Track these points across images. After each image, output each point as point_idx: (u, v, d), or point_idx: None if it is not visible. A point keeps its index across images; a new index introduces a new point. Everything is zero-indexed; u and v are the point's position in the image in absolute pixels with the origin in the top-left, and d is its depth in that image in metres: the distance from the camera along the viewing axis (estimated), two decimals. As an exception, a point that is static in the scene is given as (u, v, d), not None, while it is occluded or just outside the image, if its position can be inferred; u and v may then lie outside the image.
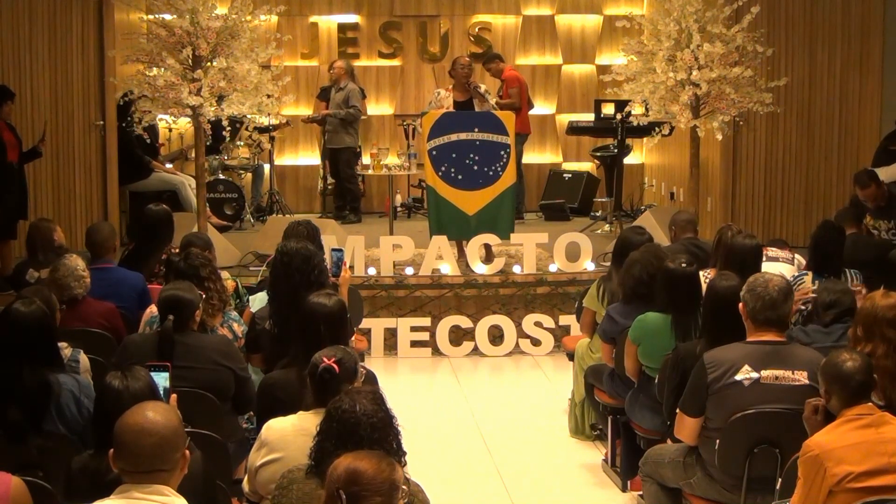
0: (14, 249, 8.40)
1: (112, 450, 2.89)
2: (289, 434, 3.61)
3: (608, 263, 7.41)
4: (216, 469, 3.69)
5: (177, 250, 5.84)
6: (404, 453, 3.22)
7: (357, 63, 12.23)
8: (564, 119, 12.20)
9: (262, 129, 11.34)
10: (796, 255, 6.56)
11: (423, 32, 12.55)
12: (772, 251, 6.44)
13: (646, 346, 5.14)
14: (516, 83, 10.91)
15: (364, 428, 3.11)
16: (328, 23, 12.46)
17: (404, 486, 2.75)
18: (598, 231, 10.37)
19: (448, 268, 8.43)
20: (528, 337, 8.31)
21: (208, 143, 9.56)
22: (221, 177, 10.91)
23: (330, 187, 11.69)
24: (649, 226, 8.40)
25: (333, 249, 5.57)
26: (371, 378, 4.35)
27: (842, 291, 4.97)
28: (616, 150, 10.63)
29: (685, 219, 6.96)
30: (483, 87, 8.81)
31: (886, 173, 8.52)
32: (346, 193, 11.33)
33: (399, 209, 11.44)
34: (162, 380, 3.63)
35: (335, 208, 11.43)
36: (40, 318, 4.20)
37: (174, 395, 3.64)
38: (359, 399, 3.17)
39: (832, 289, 5.01)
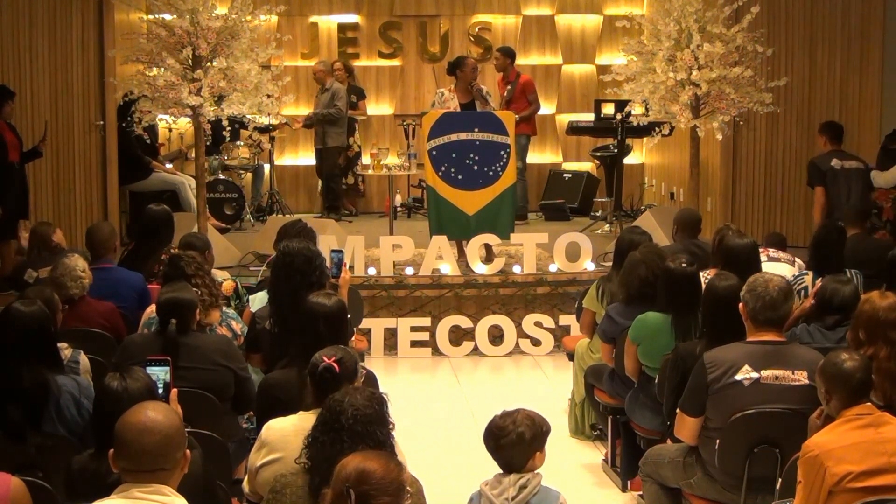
0: (14, 249, 8.40)
1: (112, 450, 2.89)
2: (289, 434, 3.60)
3: (608, 263, 7.41)
4: (216, 469, 3.69)
5: (176, 250, 5.85)
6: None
7: (357, 63, 12.25)
8: (564, 119, 12.21)
9: (262, 129, 11.36)
10: (797, 259, 6.57)
11: (423, 32, 12.56)
12: (772, 251, 6.44)
13: (646, 346, 5.14)
14: (533, 88, 10.99)
15: (347, 418, 3.12)
16: (328, 23, 12.48)
17: (409, 489, 2.76)
18: (598, 231, 10.37)
19: (448, 268, 8.43)
20: (528, 337, 8.31)
21: (208, 143, 9.56)
22: (221, 177, 10.92)
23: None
24: (649, 226, 8.41)
25: (333, 251, 5.54)
26: (371, 379, 4.36)
27: (842, 282, 4.98)
28: (616, 150, 10.63)
29: (687, 217, 6.96)
30: (485, 89, 8.84)
31: (886, 178, 8.50)
32: (328, 192, 11.38)
33: (399, 209, 11.44)
34: (162, 373, 3.63)
35: (325, 208, 11.46)
36: (40, 319, 4.20)
37: (175, 390, 3.64)
38: (353, 394, 3.20)
39: (835, 279, 5.03)
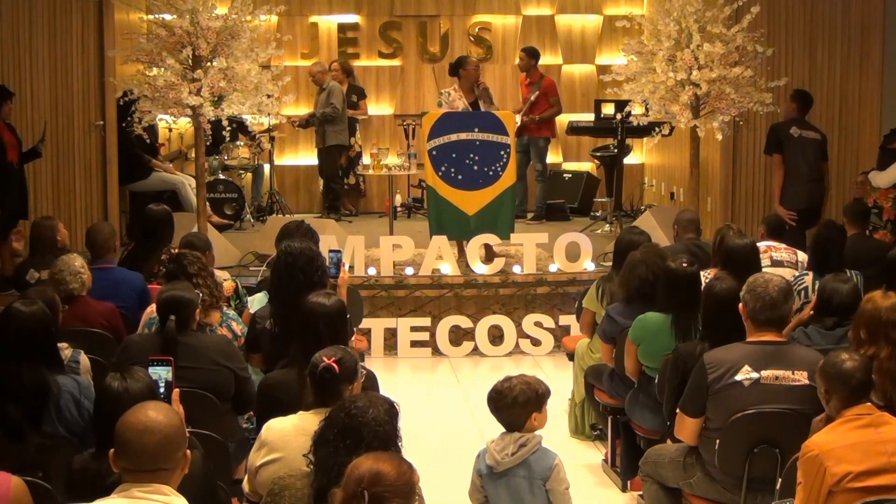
0: (11, 251, 8.40)
1: (112, 450, 2.89)
2: (289, 434, 3.61)
3: (608, 263, 7.41)
4: (216, 469, 3.69)
5: (177, 250, 5.85)
6: None
7: (357, 63, 12.25)
8: (564, 119, 12.18)
9: (262, 130, 11.36)
10: (798, 253, 6.53)
11: (423, 32, 12.56)
12: (775, 253, 6.43)
13: (646, 346, 5.14)
14: (555, 91, 11.04)
15: (369, 432, 3.12)
16: (328, 23, 12.47)
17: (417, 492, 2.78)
18: (598, 231, 10.37)
19: (448, 268, 8.43)
20: (528, 337, 8.31)
21: (208, 144, 9.56)
22: (221, 177, 10.92)
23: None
24: (649, 226, 8.41)
25: (331, 250, 5.52)
26: (371, 378, 4.35)
27: (842, 281, 4.96)
28: (616, 150, 10.63)
29: (688, 218, 6.97)
30: (488, 89, 8.90)
31: (884, 178, 8.51)
32: (329, 192, 11.37)
33: (399, 209, 11.43)
34: (164, 373, 3.63)
35: (325, 208, 11.45)
36: (41, 319, 4.21)
37: (176, 390, 3.64)
38: (375, 404, 3.19)
39: (834, 278, 5.01)
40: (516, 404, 3.84)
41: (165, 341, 4.40)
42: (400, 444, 3.22)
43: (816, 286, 5.39)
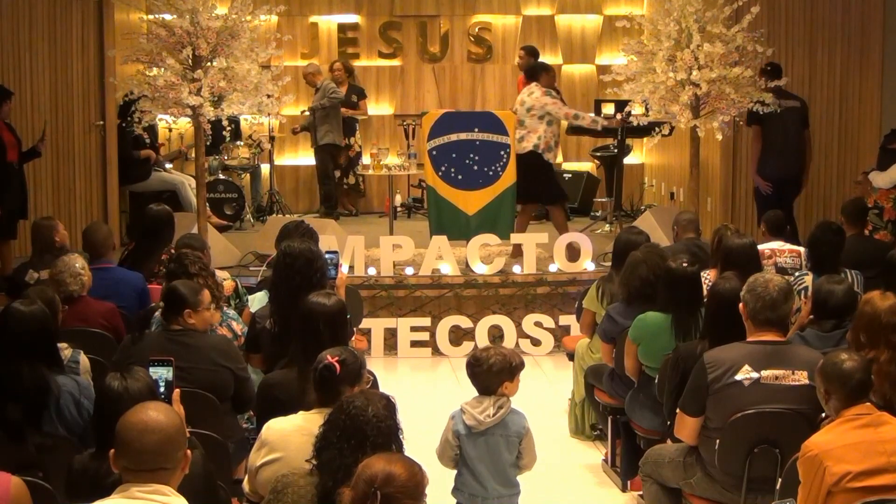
0: (14, 249, 8.40)
1: (113, 450, 2.89)
2: (289, 434, 3.61)
3: (608, 263, 7.41)
4: (216, 469, 3.69)
5: (175, 250, 5.85)
6: None
7: (357, 63, 12.25)
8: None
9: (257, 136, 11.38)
10: (802, 253, 6.51)
11: (423, 32, 12.56)
12: (780, 260, 6.41)
13: (646, 346, 5.14)
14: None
15: (371, 429, 3.13)
16: (328, 23, 12.48)
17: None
18: (598, 231, 10.38)
19: (448, 268, 8.43)
20: (528, 337, 8.31)
21: (208, 144, 9.56)
22: (221, 177, 10.91)
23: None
24: (649, 226, 8.42)
25: (328, 252, 5.52)
26: (374, 384, 4.35)
27: (836, 282, 4.95)
28: (616, 150, 10.64)
29: (687, 219, 6.97)
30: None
31: (885, 178, 8.50)
32: (319, 192, 11.32)
33: (399, 209, 11.43)
34: (165, 373, 3.64)
35: (326, 208, 11.40)
36: (41, 318, 4.21)
37: (177, 390, 3.64)
38: (373, 401, 3.20)
39: (828, 280, 5.00)
40: (491, 371, 4.23)
41: (142, 317, 4.40)
42: (402, 437, 3.23)
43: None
